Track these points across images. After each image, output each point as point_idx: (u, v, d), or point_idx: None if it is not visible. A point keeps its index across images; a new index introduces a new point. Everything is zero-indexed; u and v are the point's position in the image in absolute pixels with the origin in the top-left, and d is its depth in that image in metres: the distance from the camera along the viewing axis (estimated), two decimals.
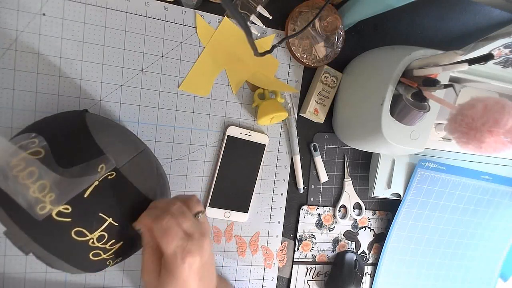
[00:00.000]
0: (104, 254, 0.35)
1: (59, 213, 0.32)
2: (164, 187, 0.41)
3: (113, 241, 0.35)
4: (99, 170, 0.34)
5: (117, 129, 0.40)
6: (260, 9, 0.49)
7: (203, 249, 0.34)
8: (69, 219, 0.32)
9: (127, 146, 0.38)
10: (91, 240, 0.33)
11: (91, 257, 0.35)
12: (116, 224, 0.35)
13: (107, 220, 0.34)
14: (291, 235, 0.60)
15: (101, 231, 0.34)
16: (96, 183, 0.33)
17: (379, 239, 0.65)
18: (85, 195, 0.33)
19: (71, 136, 0.35)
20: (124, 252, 0.38)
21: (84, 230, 0.33)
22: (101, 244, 0.34)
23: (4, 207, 0.32)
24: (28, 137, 0.34)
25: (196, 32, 0.50)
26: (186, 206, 0.37)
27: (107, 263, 0.37)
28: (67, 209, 0.32)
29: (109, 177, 0.34)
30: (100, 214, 0.33)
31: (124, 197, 0.35)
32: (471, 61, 0.38)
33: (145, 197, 0.37)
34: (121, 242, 0.36)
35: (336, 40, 0.54)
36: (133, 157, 0.37)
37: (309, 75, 0.56)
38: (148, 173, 0.38)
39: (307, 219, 0.60)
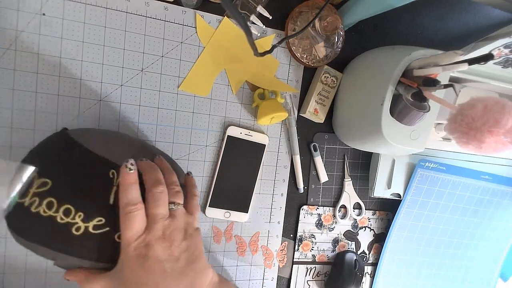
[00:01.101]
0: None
1: (95, 227, 0.33)
2: (177, 167, 0.42)
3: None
4: (111, 176, 0.35)
5: (108, 135, 0.40)
6: (260, 9, 0.49)
7: (171, 250, 0.34)
8: (108, 228, 0.34)
9: (123, 146, 0.38)
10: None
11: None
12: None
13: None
14: (291, 235, 0.60)
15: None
16: (115, 188, 0.34)
17: (379, 239, 0.65)
18: (111, 202, 0.34)
19: (70, 157, 0.35)
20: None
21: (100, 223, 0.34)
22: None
23: (41, 243, 0.33)
24: (26, 175, 0.34)
25: (196, 32, 0.50)
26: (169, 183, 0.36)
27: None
28: (100, 220, 0.33)
29: None
30: None
31: None
32: (471, 61, 0.38)
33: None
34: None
35: (336, 40, 0.54)
36: (135, 152, 0.38)
37: (309, 75, 0.56)
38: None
39: (307, 219, 0.60)
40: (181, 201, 0.37)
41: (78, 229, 0.33)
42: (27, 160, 0.36)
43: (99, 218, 0.33)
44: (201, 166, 0.53)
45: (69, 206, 0.33)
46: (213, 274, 0.38)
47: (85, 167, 0.35)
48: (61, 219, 0.32)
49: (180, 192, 0.37)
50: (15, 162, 0.36)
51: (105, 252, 0.34)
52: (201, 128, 0.52)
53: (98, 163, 0.35)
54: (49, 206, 0.32)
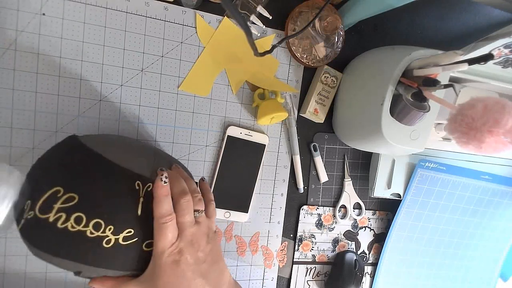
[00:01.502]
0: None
1: (125, 238, 0.34)
2: (189, 173, 0.43)
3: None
4: (136, 187, 0.35)
5: (123, 142, 0.41)
6: (260, 9, 0.49)
7: (198, 253, 0.36)
8: (136, 238, 0.34)
9: (144, 156, 0.39)
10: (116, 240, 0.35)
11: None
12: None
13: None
14: (291, 235, 0.60)
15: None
16: (142, 199, 0.35)
17: (379, 239, 0.65)
18: (139, 213, 0.35)
19: (95, 170, 0.35)
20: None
21: (152, 241, 0.35)
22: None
23: (70, 258, 0.34)
24: (45, 189, 0.33)
25: (196, 32, 0.50)
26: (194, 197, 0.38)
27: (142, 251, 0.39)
28: (130, 232, 0.34)
29: (149, 189, 0.36)
30: None
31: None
32: (471, 61, 0.38)
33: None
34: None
35: (336, 40, 0.54)
36: (154, 161, 0.38)
37: (309, 75, 0.56)
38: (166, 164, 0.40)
39: (307, 219, 0.60)
40: (203, 208, 0.39)
41: (108, 242, 0.33)
42: (40, 172, 0.36)
43: (129, 230, 0.34)
44: (201, 166, 0.53)
45: (99, 220, 0.33)
46: (229, 274, 0.41)
47: (111, 180, 0.35)
48: (91, 233, 0.33)
49: (201, 199, 0.39)
50: (22, 175, 0.35)
51: (133, 261, 0.35)
52: (201, 128, 0.52)
53: (123, 175, 0.35)
54: (78, 221, 0.32)
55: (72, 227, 0.32)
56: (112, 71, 0.47)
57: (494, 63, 0.50)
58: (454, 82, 0.54)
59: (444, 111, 0.43)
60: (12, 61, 0.43)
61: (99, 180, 0.35)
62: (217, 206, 0.53)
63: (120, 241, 0.34)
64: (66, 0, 0.44)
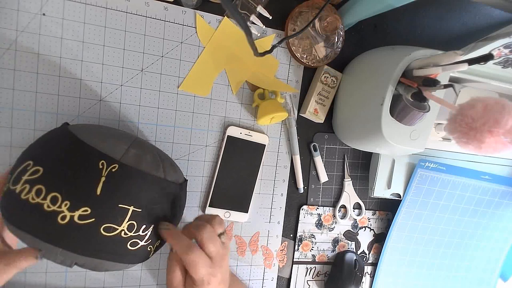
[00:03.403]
0: (141, 241, 0.37)
1: (81, 217, 0.33)
2: (171, 164, 0.42)
3: (143, 226, 0.36)
4: (100, 167, 0.34)
5: (104, 129, 0.41)
6: (260, 9, 0.49)
7: (223, 269, 0.38)
8: (93, 219, 0.33)
9: (119, 139, 0.38)
10: (123, 232, 0.34)
11: (129, 247, 0.36)
12: (140, 210, 0.35)
13: (129, 209, 0.35)
14: (291, 235, 0.60)
15: (128, 221, 0.35)
16: (103, 179, 0.34)
17: (379, 239, 0.65)
18: (98, 193, 0.34)
19: (63, 147, 0.36)
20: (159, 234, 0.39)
21: (111, 225, 0.34)
22: (133, 233, 0.35)
23: (27, 230, 0.33)
24: (21, 164, 0.35)
25: (196, 32, 0.50)
26: (211, 226, 0.39)
27: (148, 249, 0.38)
28: (86, 211, 0.33)
29: (113, 170, 0.35)
30: (120, 205, 0.34)
31: (135, 184, 0.36)
32: (471, 61, 0.38)
33: (155, 176, 0.38)
34: (152, 225, 0.37)
35: (336, 40, 0.54)
36: (129, 146, 0.38)
37: (309, 75, 0.56)
38: (149, 156, 0.39)
39: (307, 219, 0.60)
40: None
41: (63, 218, 0.32)
42: (27, 151, 0.37)
43: (85, 208, 0.33)
44: (201, 166, 0.53)
45: (56, 194, 0.32)
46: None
47: (74, 156, 0.35)
48: (48, 207, 0.32)
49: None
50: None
51: (88, 244, 0.34)
52: (201, 128, 0.52)
53: (88, 153, 0.35)
54: (38, 193, 0.32)
55: (33, 199, 0.32)
56: (112, 71, 0.47)
57: (494, 63, 0.50)
58: (454, 82, 0.54)
59: (444, 111, 0.43)
60: (12, 61, 0.43)
61: (63, 155, 0.35)
62: (217, 206, 0.54)
63: (76, 219, 0.33)
64: (66, 0, 0.44)
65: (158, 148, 0.43)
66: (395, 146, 0.46)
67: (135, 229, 0.35)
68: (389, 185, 0.59)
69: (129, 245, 0.36)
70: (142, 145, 0.40)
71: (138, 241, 0.36)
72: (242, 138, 0.53)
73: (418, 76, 0.43)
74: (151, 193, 0.37)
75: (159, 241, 0.39)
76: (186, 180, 0.44)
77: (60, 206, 0.32)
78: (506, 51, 0.47)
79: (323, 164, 0.59)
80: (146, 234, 0.37)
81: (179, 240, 0.37)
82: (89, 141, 0.36)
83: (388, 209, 0.64)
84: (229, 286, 0.42)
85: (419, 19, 0.61)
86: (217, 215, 0.42)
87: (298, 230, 0.59)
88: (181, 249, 0.36)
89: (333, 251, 0.62)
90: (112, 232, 0.34)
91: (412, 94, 0.43)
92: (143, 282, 0.52)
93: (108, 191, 0.34)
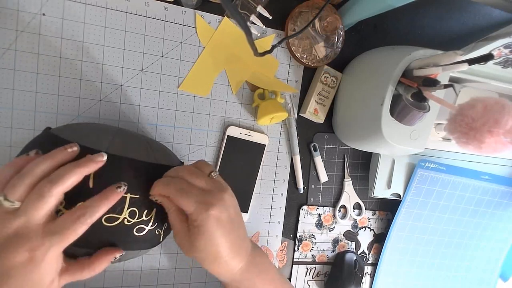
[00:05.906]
0: (147, 226, 0.36)
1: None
2: (163, 149, 0.42)
3: (146, 211, 0.36)
4: None
5: (84, 125, 0.40)
6: (260, 9, 0.49)
7: (225, 203, 0.35)
8: None
9: (102, 132, 0.38)
10: (125, 219, 0.34)
11: (136, 233, 0.36)
12: (137, 196, 0.35)
13: (126, 196, 0.35)
14: (291, 235, 0.60)
15: (128, 208, 0.35)
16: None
17: (379, 239, 0.65)
18: (91, 186, 0.34)
19: (47, 149, 0.35)
20: (163, 216, 0.38)
21: (112, 215, 0.34)
22: (137, 219, 0.35)
23: None
24: None
25: (196, 32, 0.50)
26: (197, 169, 0.38)
27: (157, 232, 0.38)
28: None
29: None
30: None
31: (127, 171, 0.36)
32: (471, 61, 0.38)
33: (146, 162, 0.38)
34: (154, 209, 0.37)
35: (336, 40, 0.54)
36: (113, 136, 0.38)
37: (309, 75, 0.56)
38: (136, 143, 0.39)
39: (307, 219, 0.60)
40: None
41: (58, 212, 0.32)
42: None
43: (81, 204, 0.33)
44: None
45: None
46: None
47: None
48: None
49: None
50: None
51: (94, 236, 0.34)
52: (201, 128, 0.52)
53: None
54: None
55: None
56: (112, 71, 0.47)
57: (494, 63, 0.50)
58: (454, 82, 0.54)
59: (444, 111, 0.43)
60: (12, 61, 0.43)
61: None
62: None
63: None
64: (66, 0, 0.44)
65: (144, 135, 0.43)
66: (395, 146, 0.46)
67: (137, 215, 0.35)
68: (389, 185, 0.59)
69: (135, 231, 0.36)
70: (127, 134, 0.40)
71: (144, 226, 0.36)
72: (242, 138, 0.53)
73: (418, 76, 0.43)
74: (145, 178, 0.37)
75: (165, 223, 0.39)
76: (182, 163, 0.44)
77: (57, 206, 0.32)
78: (506, 51, 0.47)
79: (323, 164, 0.59)
80: (151, 219, 0.37)
81: (161, 181, 0.36)
82: (73, 138, 0.36)
83: (388, 209, 0.64)
84: (253, 257, 0.39)
85: (419, 19, 0.61)
86: (201, 159, 0.41)
87: (298, 230, 0.59)
88: (162, 184, 0.35)
89: (333, 251, 0.62)
90: (115, 222, 0.34)
91: (412, 94, 0.43)
92: (143, 282, 0.52)
93: (101, 182, 0.34)
